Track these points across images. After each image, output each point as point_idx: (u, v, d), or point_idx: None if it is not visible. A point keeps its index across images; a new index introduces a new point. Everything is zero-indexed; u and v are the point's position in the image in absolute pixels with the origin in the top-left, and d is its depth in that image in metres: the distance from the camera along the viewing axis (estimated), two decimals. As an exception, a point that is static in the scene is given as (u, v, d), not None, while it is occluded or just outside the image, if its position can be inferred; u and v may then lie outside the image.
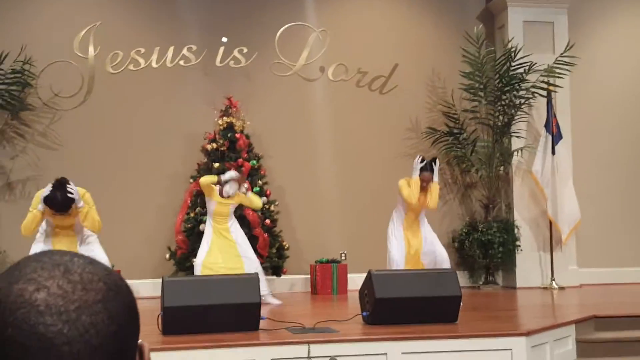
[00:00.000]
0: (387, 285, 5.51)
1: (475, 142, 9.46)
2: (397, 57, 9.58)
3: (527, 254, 9.27)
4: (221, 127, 8.65)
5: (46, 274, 0.80)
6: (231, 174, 7.32)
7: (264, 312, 6.03)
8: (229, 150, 8.56)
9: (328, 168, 9.40)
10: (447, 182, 9.72)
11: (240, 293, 5.33)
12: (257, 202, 7.52)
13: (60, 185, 5.90)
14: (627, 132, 9.87)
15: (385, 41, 9.63)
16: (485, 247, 9.11)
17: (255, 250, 7.76)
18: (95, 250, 6.08)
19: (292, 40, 9.35)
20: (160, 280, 5.44)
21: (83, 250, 6.03)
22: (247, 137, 8.75)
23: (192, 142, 8.88)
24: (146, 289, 7.85)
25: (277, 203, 8.75)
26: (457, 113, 9.57)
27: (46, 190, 5.92)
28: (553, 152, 9.14)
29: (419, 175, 7.12)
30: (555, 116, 9.20)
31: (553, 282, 9.05)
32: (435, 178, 7.17)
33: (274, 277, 8.56)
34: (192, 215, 8.35)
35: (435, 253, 7.12)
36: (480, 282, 9.39)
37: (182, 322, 5.12)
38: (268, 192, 8.65)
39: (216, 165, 8.41)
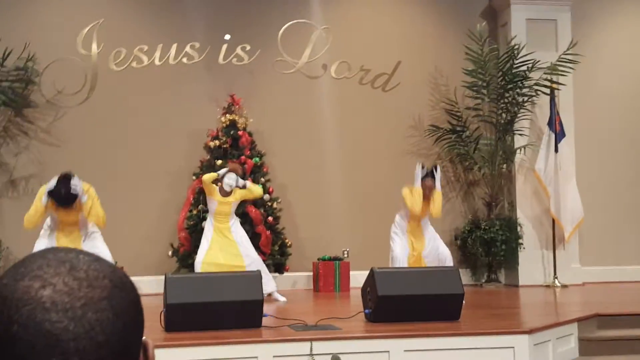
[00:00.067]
0: (389, 283, 5.51)
1: (478, 139, 9.46)
2: (400, 55, 9.57)
3: (529, 252, 9.27)
4: (224, 125, 8.65)
5: (52, 270, 0.80)
6: (225, 168, 7.36)
7: (269, 309, 6.05)
8: (232, 148, 8.56)
9: (331, 165, 9.40)
10: (449, 179, 9.71)
11: (243, 290, 5.34)
12: (257, 190, 7.51)
13: (65, 179, 5.93)
14: (630, 130, 9.85)
15: (388, 38, 9.62)
16: (488, 245, 9.11)
17: (258, 248, 7.77)
18: (99, 246, 6.09)
19: (295, 38, 9.35)
20: (162, 277, 5.45)
21: (87, 246, 6.05)
22: (250, 134, 8.76)
23: (194, 139, 8.88)
24: (149, 286, 7.86)
25: (279, 200, 8.76)
26: (460, 111, 9.57)
27: (51, 184, 5.95)
28: (556, 150, 9.13)
29: (421, 184, 7.08)
30: (558, 114, 9.19)
31: (556, 280, 9.05)
32: (438, 186, 7.12)
33: (277, 274, 8.56)
34: (194, 212, 8.36)
35: (437, 251, 7.12)
36: (483, 280, 9.39)
37: (184, 319, 5.13)
38: (271, 190, 8.65)
39: (219, 162, 8.41)
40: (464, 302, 5.66)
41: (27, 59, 8.53)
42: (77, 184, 6.00)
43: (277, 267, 8.54)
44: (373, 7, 9.68)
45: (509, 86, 9.29)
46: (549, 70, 9.17)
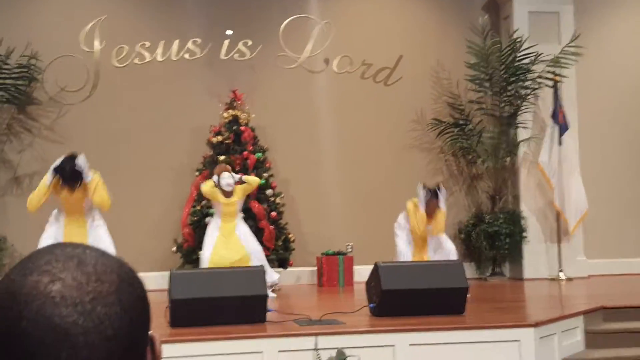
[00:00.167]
0: (393, 277, 5.51)
1: (481, 133, 9.44)
2: (401, 49, 9.55)
3: (534, 245, 9.26)
4: (226, 120, 8.65)
5: (60, 265, 0.81)
6: (215, 171, 7.45)
7: (273, 304, 6.05)
8: (234, 143, 8.56)
9: (333, 160, 9.40)
10: (453, 173, 9.70)
11: (247, 285, 5.34)
12: (254, 180, 7.56)
13: (71, 158, 6.01)
14: (634, 122, 9.82)
15: (390, 33, 9.60)
16: (492, 238, 9.10)
17: (261, 243, 7.77)
18: (103, 238, 6.10)
19: (296, 33, 9.34)
20: (167, 273, 5.46)
21: (91, 236, 6.07)
22: (252, 129, 8.75)
23: (197, 135, 8.88)
24: (153, 282, 7.86)
25: (282, 195, 8.75)
26: (463, 104, 9.55)
27: (56, 162, 6.02)
28: (560, 143, 9.11)
29: (426, 207, 6.94)
30: (561, 106, 9.16)
31: (560, 273, 9.04)
32: (443, 206, 7.03)
33: (280, 269, 8.56)
34: (198, 208, 8.36)
35: (441, 246, 7.09)
36: (487, 274, 9.38)
37: (189, 314, 5.13)
38: (273, 185, 8.65)
39: (221, 158, 8.41)
40: (468, 295, 5.65)
41: (29, 56, 8.54)
42: (82, 163, 6.05)
43: (281, 262, 8.54)
44: (374, 1, 9.66)
45: (512, 79, 9.26)
46: (552, 62, 9.15)
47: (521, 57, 9.20)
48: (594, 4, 9.84)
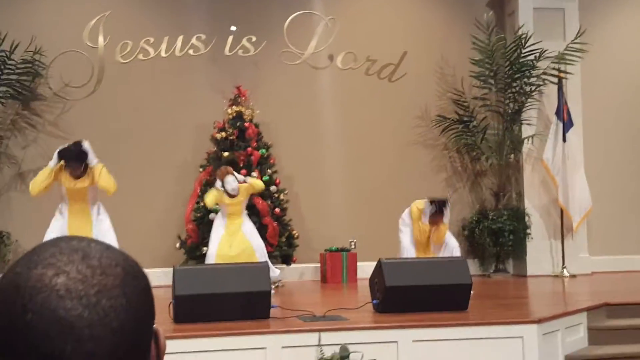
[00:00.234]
0: (397, 274, 5.51)
1: (485, 129, 9.43)
2: (406, 45, 9.54)
3: (537, 242, 9.25)
4: (230, 116, 8.64)
5: (65, 258, 0.81)
6: (217, 175, 7.46)
7: (277, 300, 6.05)
8: (238, 139, 8.55)
9: (337, 156, 9.39)
10: (457, 170, 9.70)
11: (251, 281, 5.35)
12: (258, 184, 7.59)
13: (77, 143, 6.06)
14: (638, 119, 9.80)
15: (394, 29, 9.59)
16: (496, 235, 9.09)
17: (265, 239, 7.78)
18: (107, 232, 6.10)
19: (300, 29, 9.33)
20: (171, 269, 5.47)
21: (95, 229, 6.09)
22: (256, 125, 8.75)
23: (201, 131, 8.89)
24: (157, 278, 7.88)
25: (286, 192, 8.75)
26: (467, 101, 9.54)
27: (62, 147, 6.09)
28: (564, 140, 9.09)
29: (430, 220, 6.87)
30: (566, 103, 9.14)
31: (564, 270, 9.03)
32: (446, 220, 6.93)
33: (284, 265, 8.57)
34: (202, 204, 8.36)
35: (445, 243, 7.05)
36: (491, 271, 9.38)
37: (193, 310, 5.14)
38: (277, 181, 8.65)
39: (225, 154, 8.41)
40: (472, 292, 5.65)
41: (34, 51, 8.54)
42: (87, 147, 6.11)
43: (285, 258, 8.54)
44: (379, -3, 9.65)
45: (517, 76, 9.25)
46: (557, 59, 9.12)
47: (526, 54, 9.18)
48: (598, 1, 9.81)
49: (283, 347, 4.84)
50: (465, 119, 9.51)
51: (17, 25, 8.57)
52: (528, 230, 9.20)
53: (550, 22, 9.47)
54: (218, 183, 7.40)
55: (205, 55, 9.11)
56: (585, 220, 9.23)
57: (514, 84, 9.30)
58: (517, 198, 9.54)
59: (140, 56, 8.98)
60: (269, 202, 8.38)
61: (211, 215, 8.01)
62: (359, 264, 8.73)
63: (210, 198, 7.46)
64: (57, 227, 6.20)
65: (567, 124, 9.11)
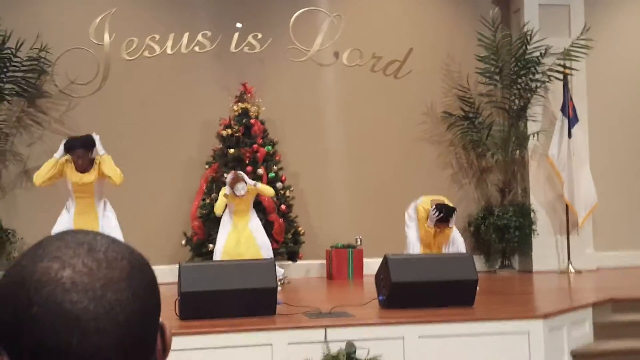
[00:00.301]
0: (403, 270, 5.51)
1: (491, 126, 9.41)
2: (411, 42, 9.52)
3: (543, 237, 9.23)
4: (236, 113, 8.65)
5: (71, 252, 0.81)
6: (228, 182, 7.31)
7: (283, 297, 6.06)
8: (244, 136, 8.56)
9: (343, 153, 9.39)
10: (462, 166, 9.69)
11: (257, 278, 5.35)
12: (268, 192, 7.53)
13: (86, 135, 6.23)
14: (644, 115, 9.77)
15: (400, 25, 9.57)
16: (501, 231, 9.08)
17: (271, 236, 7.78)
18: (113, 226, 6.11)
19: (306, 26, 9.32)
20: (176, 266, 5.48)
21: (102, 224, 6.09)
22: (262, 122, 8.75)
23: (207, 128, 8.89)
24: (163, 275, 7.89)
25: (292, 188, 8.75)
26: (473, 97, 9.52)
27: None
28: (569, 136, 9.08)
29: (435, 225, 6.70)
30: (571, 99, 9.12)
31: (570, 265, 9.01)
32: (451, 225, 6.78)
33: (290, 262, 8.58)
34: (207, 201, 8.38)
35: (451, 238, 7.01)
36: (497, 267, 9.37)
37: (199, 307, 5.15)
38: (283, 178, 8.65)
39: (231, 151, 8.42)
40: (477, 288, 5.64)
41: (39, 49, 8.56)
42: (97, 138, 6.14)
43: (290, 255, 8.55)
44: (384, -6, 9.63)
45: (522, 72, 9.23)
46: (562, 55, 9.10)
47: (531, 50, 9.16)
48: (604, -4, 9.78)
49: (289, 343, 4.84)
50: (471, 115, 9.50)
51: (22, 23, 8.58)
52: (534, 226, 9.19)
53: (556, 18, 9.45)
54: (227, 189, 7.28)
55: (211, 52, 9.11)
56: (591, 216, 9.21)
57: (520, 81, 9.28)
58: (523, 194, 9.53)
59: (146, 53, 8.99)
60: (275, 199, 8.38)
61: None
62: (365, 260, 8.73)
63: (219, 205, 7.39)
64: (63, 223, 6.20)
65: (573, 120, 9.10)
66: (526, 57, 9.18)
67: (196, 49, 9.09)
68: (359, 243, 8.95)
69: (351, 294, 7.52)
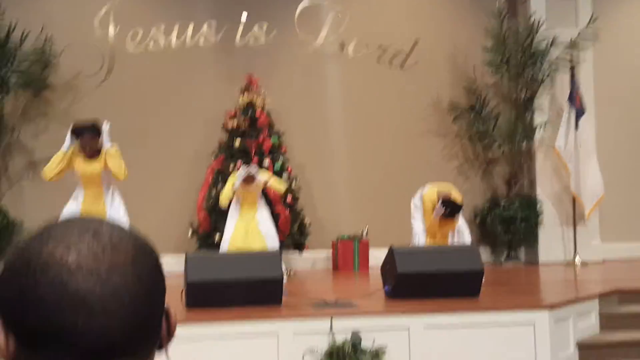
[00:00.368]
0: (408, 260, 5.51)
1: (497, 117, 9.38)
2: (418, 32, 9.49)
3: (549, 229, 9.21)
4: (242, 105, 8.64)
5: (76, 236, 0.81)
6: (240, 175, 7.06)
7: (289, 287, 6.07)
8: (250, 128, 8.55)
9: (349, 144, 9.38)
10: (468, 158, 9.66)
11: (263, 269, 5.36)
12: (278, 187, 7.44)
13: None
14: (652, 106, 9.72)
15: (406, 16, 9.54)
16: (508, 223, 9.06)
17: (277, 228, 7.76)
18: (120, 216, 6.12)
19: (311, 17, 9.30)
20: (182, 257, 5.49)
21: (109, 214, 6.11)
22: (268, 114, 8.74)
23: (213, 120, 8.88)
24: (168, 265, 7.89)
25: (298, 180, 8.75)
26: (479, 88, 9.49)
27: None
28: (576, 127, 9.04)
29: (440, 218, 6.59)
30: (578, 90, 9.08)
31: (576, 257, 8.99)
32: (457, 219, 6.73)
33: (296, 252, 8.58)
34: (213, 192, 8.38)
35: (457, 227, 6.97)
36: (503, 258, 9.35)
37: (205, 297, 5.16)
38: (289, 169, 8.64)
39: (237, 143, 8.41)
40: (483, 279, 5.63)
41: (44, 41, 8.56)
42: (105, 125, 6.16)
43: (297, 246, 8.55)
44: (390, -15, 9.59)
45: (529, 63, 9.19)
46: (569, 46, 9.06)
47: (538, 41, 9.12)
48: (612, -13, 9.71)
49: (295, 333, 4.85)
50: (477, 106, 9.46)
51: (27, 15, 8.59)
52: (540, 218, 9.16)
53: (563, 8, 9.40)
54: (237, 184, 7.07)
55: (216, 44, 9.10)
56: (598, 207, 9.18)
57: (526, 71, 9.24)
58: (529, 186, 9.50)
59: (151, 44, 8.99)
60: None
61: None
62: (370, 251, 8.73)
63: (226, 195, 7.19)
64: (70, 212, 6.22)
65: (580, 111, 9.05)
66: (533, 47, 9.14)
67: (201, 39, 9.08)
68: (364, 234, 8.95)
69: (357, 285, 7.52)
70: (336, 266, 8.83)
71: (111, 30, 8.91)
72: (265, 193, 8.06)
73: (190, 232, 8.48)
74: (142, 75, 8.95)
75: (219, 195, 8.21)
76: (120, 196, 6.37)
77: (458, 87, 9.57)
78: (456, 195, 6.68)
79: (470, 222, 8.74)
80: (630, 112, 9.68)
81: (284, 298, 5.40)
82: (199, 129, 8.98)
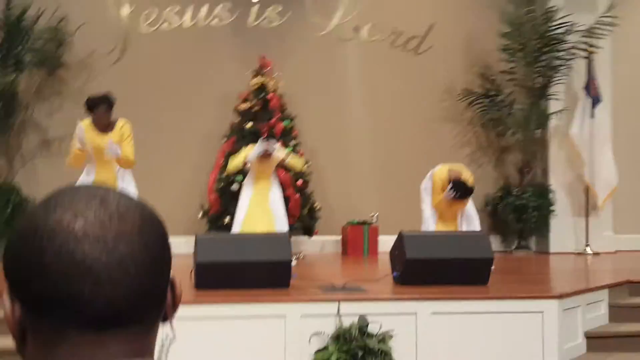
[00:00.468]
0: (418, 246, 5.49)
1: (512, 104, 9.31)
2: (433, 17, 9.41)
3: (561, 219, 9.16)
4: (254, 87, 8.62)
5: (83, 204, 0.81)
6: (257, 150, 7.02)
7: (297, 271, 6.08)
8: (262, 111, 8.54)
9: (361, 129, 9.35)
10: (481, 145, 9.60)
11: (272, 251, 5.37)
12: (297, 164, 7.43)
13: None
14: (669, 96, 9.60)
15: (421, 0, 9.46)
16: (519, 211, 9.02)
17: (287, 211, 7.75)
18: (130, 190, 6.13)
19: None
20: (192, 238, 5.51)
21: (120, 185, 6.14)
22: (280, 97, 8.71)
23: (225, 102, 8.88)
24: (178, 246, 7.93)
25: (309, 164, 8.74)
26: (494, 74, 9.41)
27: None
28: (592, 116, 8.95)
29: (450, 199, 6.47)
30: (595, 78, 8.99)
31: (587, 247, 8.94)
32: (468, 202, 6.64)
33: (306, 237, 8.59)
34: (224, 174, 8.38)
35: (465, 209, 6.87)
36: (513, 247, 9.31)
37: (214, 278, 5.18)
38: (301, 153, 8.63)
39: (249, 125, 8.40)
40: (493, 267, 5.61)
41: (59, 20, 8.57)
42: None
43: (306, 230, 8.55)
44: (406, -32, 9.51)
45: (545, 49, 9.09)
46: (587, 33, 8.95)
47: (555, 27, 9.02)
48: (631, -26, 9.58)
49: (302, 315, 4.86)
50: (492, 93, 9.39)
51: (43, -7, 8.59)
52: (552, 207, 9.11)
53: (581, -5, 9.28)
54: (252, 156, 6.99)
55: (229, 25, 9.07)
56: (611, 197, 9.10)
57: (542, 58, 9.15)
58: (542, 174, 9.44)
59: (165, 25, 8.98)
60: (292, 174, 8.37)
61: (234, 186, 8.02)
62: (380, 237, 8.71)
63: (236, 164, 7.10)
64: (83, 178, 6.28)
65: (595, 100, 8.96)
66: (550, 34, 9.04)
67: (215, 21, 9.05)
68: (374, 220, 8.93)
69: (366, 270, 7.52)
70: (345, 251, 8.84)
71: (125, 10, 8.90)
72: (276, 176, 8.05)
73: (200, 214, 8.50)
74: (155, 55, 8.95)
75: (229, 178, 8.22)
76: (131, 173, 6.40)
77: (472, 73, 9.50)
78: (467, 176, 6.56)
79: (481, 210, 8.71)
80: (647, 101, 9.57)
81: (292, 281, 5.41)
82: (211, 111, 8.98)
